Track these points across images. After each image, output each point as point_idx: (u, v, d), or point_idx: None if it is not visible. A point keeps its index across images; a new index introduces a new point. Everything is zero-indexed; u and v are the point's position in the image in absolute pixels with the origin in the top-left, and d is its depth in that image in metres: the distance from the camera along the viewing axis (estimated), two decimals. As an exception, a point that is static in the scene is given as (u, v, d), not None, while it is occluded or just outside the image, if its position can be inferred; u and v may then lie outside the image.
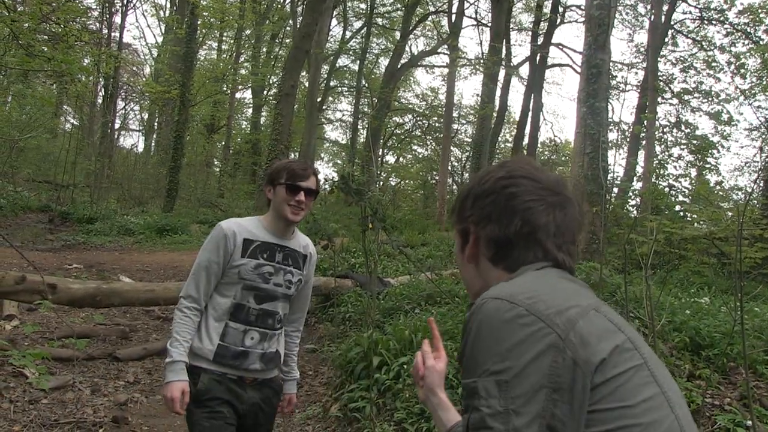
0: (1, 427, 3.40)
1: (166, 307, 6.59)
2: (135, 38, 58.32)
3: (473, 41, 67.65)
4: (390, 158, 35.44)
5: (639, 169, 15.74)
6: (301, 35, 14.57)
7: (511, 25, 23.70)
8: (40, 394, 3.95)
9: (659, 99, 17.96)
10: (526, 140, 23.04)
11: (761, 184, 11.21)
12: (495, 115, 20.94)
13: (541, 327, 0.79)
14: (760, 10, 15.45)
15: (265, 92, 27.43)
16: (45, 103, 16.50)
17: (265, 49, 27.65)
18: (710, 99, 18.29)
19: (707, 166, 16.38)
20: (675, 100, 19.30)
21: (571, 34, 39.93)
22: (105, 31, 22.42)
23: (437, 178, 25.03)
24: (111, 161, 19.85)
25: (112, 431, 3.67)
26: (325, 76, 26.72)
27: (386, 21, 28.24)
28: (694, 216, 8.36)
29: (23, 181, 16.97)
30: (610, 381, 0.79)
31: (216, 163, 29.78)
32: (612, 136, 16.78)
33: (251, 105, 29.80)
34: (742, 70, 16.72)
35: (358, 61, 27.00)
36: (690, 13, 18.69)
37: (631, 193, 9.60)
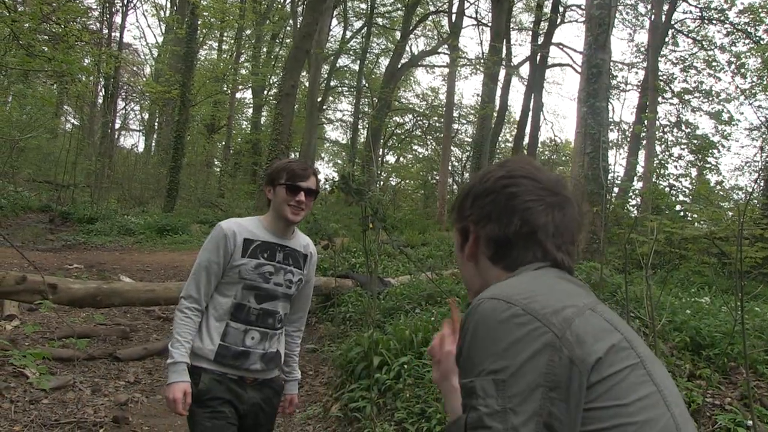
0: (2, 427, 3.40)
1: (166, 307, 6.59)
2: (135, 38, 58.35)
3: (473, 41, 67.70)
4: (390, 158, 35.49)
5: (639, 169, 15.73)
6: (301, 35, 14.58)
7: (512, 25, 23.72)
8: (40, 394, 3.96)
9: (660, 99, 17.94)
10: (526, 140, 23.05)
11: (762, 184, 11.21)
12: (495, 114, 20.95)
13: (538, 326, 0.80)
14: (760, 10, 15.44)
15: (265, 92, 27.43)
16: (45, 103, 16.52)
17: (265, 49, 27.66)
18: (711, 99, 18.29)
19: (708, 165, 16.37)
20: (675, 100, 19.30)
21: (572, 34, 40.11)
22: (105, 31, 22.43)
23: (437, 177, 25.04)
24: (111, 161, 19.86)
25: (113, 431, 3.67)
26: (326, 76, 26.73)
27: (386, 21, 28.24)
28: (695, 216, 8.36)
29: (24, 181, 16.98)
30: (606, 380, 0.79)
31: (216, 163, 29.80)
32: (612, 135, 16.79)
33: (251, 105, 29.82)
34: (743, 70, 16.73)
35: (358, 61, 27.00)
36: (690, 12, 18.70)
37: (631, 193, 9.61)
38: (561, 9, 21.92)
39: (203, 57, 28.16)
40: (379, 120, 23.70)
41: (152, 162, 24.29)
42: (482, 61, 20.39)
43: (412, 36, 27.17)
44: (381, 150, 29.87)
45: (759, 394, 3.31)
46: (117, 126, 26.04)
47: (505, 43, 20.77)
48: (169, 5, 25.96)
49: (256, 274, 2.08)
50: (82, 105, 22.01)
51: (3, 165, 14.90)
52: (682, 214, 7.90)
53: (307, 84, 21.82)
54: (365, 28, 26.38)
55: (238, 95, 30.06)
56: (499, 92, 20.66)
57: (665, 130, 19.03)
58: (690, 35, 18.94)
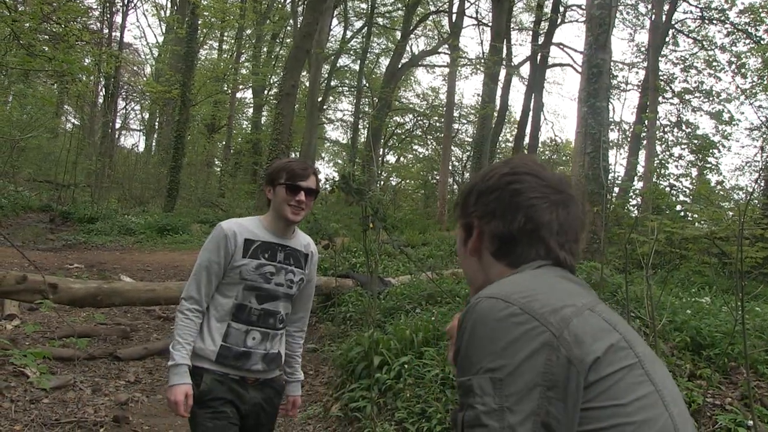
0: (3, 427, 3.41)
1: (167, 306, 6.60)
2: (136, 38, 58.38)
3: (474, 41, 67.71)
4: (391, 158, 35.47)
5: (640, 169, 15.73)
6: (301, 35, 14.58)
7: (512, 25, 23.71)
8: (41, 393, 3.96)
9: (660, 98, 17.94)
10: (526, 140, 23.03)
11: (762, 184, 11.21)
12: (496, 114, 20.94)
13: (536, 326, 0.80)
14: (760, 10, 15.43)
15: (265, 92, 27.43)
16: (46, 103, 16.52)
17: (265, 49, 27.66)
18: (711, 99, 18.27)
19: (708, 165, 16.36)
20: (676, 100, 19.29)
21: (572, 34, 40.14)
22: (106, 30, 22.45)
23: (438, 177, 25.03)
24: (112, 161, 19.87)
25: (113, 431, 3.68)
26: (326, 75, 26.72)
27: (387, 21, 28.24)
28: (695, 216, 8.36)
29: (24, 180, 16.99)
30: (604, 380, 0.79)
31: (217, 162, 29.80)
32: (613, 135, 16.78)
33: (252, 105, 29.82)
34: (743, 70, 16.71)
35: (358, 61, 27.00)
36: (691, 12, 18.68)
37: (631, 193, 9.61)
38: (561, 9, 21.92)
39: (204, 57, 28.21)
40: (380, 120, 23.70)
41: (153, 162, 24.30)
42: (483, 60, 20.39)
43: (412, 36, 27.19)
44: (381, 150, 29.86)
45: (759, 394, 3.31)
46: (117, 126, 26.08)
47: (505, 43, 20.76)
48: (169, 5, 26.00)
49: (257, 275, 2.07)
50: (83, 105, 22.01)
51: (3, 164, 14.91)
52: (682, 214, 7.90)
53: (307, 84, 21.81)
54: (365, 27, 26.39)
55: (238, 95, 30.09)
56: (499, 92, 20.66)
57: (666, 130, 19.03)
58: (690, 35, 18.93)
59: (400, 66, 25.06)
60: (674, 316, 4.25)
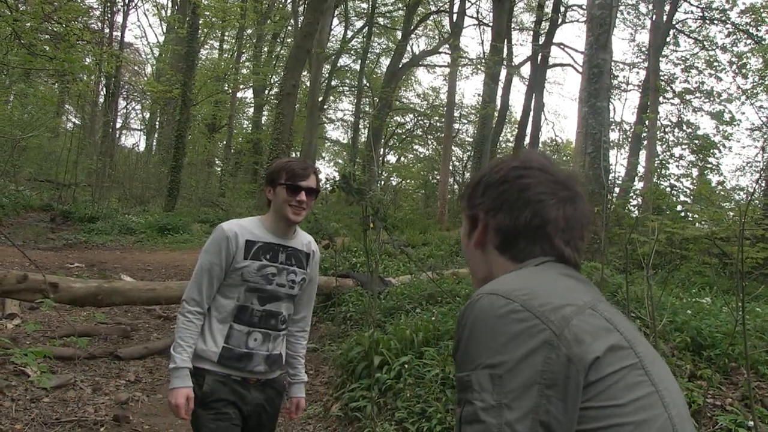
0: (3, 426, 3.41)
1: (167, 306, 6.60)
2: (136, 38, 58.46)
3: (474, 41, 67.65)
4: (391, 158, 35.46)
5: (640, 169, 15.72)
6: (302, 34, 14.58)
7: (513, 25, 23.69)
8: (41, 392, 3.96)
9: (661, 99, 17.92)
10: (527, 140, 23.00)
11: (763, 184, 11.19)
12: (496, 114, 20.93)
13: (536, 323, 0.79)
14: (762, 10, 15.41)
15: (266, 92, 27.44)
16: (47, 103, 16.50)
17: (266, 49, 27.66)
18: (712, 99, 18.25)
19: (709, 166, 16.33)
20: (676, 100, 19.26)
21: (573, 34, 40.10)
22: (107, 30, 22.46)
23: (438, 177, 25.03)
24: (112, 160, 19.87)
25: (114, 430, 3.68)
26: (327, 75, 26.72)
27: (387, 20, 28.23)
28: (696, 216, 8.35)
29: (25, 180, 17.00)
30: (603, 380, 0.79)
31: (217, 162, 29.81)
32: (613, 135, 16.78)
33: (252, 104, 29.83)
34: (744, 70, 16.69)
35: (359, 61, 27.00)
36: (692, 12, 18.66)
37: (632, 193, 9.59)
38: (562, 9, 21.90)
39: (204, 56, 28.21)
40: (380, 120, 23.69)
41: (153, 161, 24.31)
42: (483, 60, 20.39)
43: (413, 36, 27.19)
44: (382, 150, 29.86)
45: (760, 394, 3.31)
46: (118, 125, 26.11)
47: (506, 42, 20.74)
48: (170, 5, 25.98)
49: (258, 276, 2.06)
50: (84, 104, 22.02)
51: (4, 164, 14.91)
52: (683, 214, 7.89)
53: (308, 83, 21.82)
54: (366, 27, 26.39)
55: (239, 95, 30.10)
56: (500, 92, 20.64)
57: (666, 130, 19.01)
58: (691, 35, 18.92)
59: (400, 66, 25.06)
60: (675, 316, 4.24)
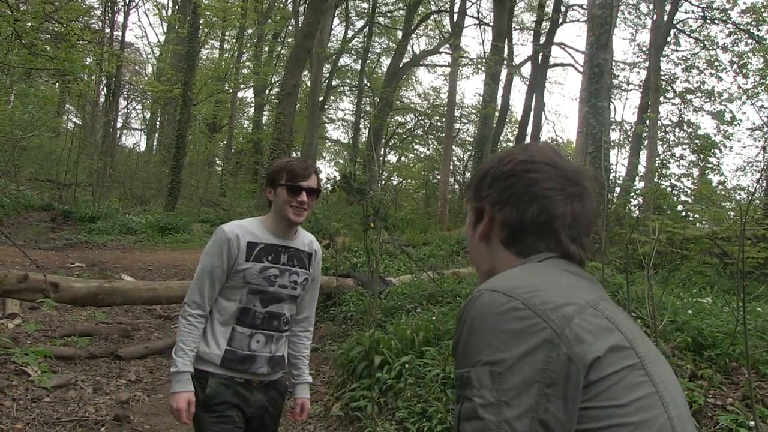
0: (4, 425, 3.41)
1: (168, 305, 6.60)
2: (137, 37, 58.51)
3: (475, 40, 67.76)
4: (392, 157, 35.46)
5: (641, 169, 15.71)
6: (303, 34, 14.58)
7: (513, 25, 23.68)
8: (42, 392, 3.96)
9: (661, 98, 17.92)
10: (527, 140, 23.01)
11: (764, 184, 11.18)
12: (497, 114, 20.92)
13: (537, 322, 0.79)
14: (762, 10, 15.40)
15: (267, 91, 27.45)
16: (47, 102, 16.50)
17: (267, 48, 27.67)
18: (712, 99, 18.24)
19: (709, 165, 16.32)
20: (677, 100, 19.25)
21: (573, 34, 40.07)
22: (107, 30, 22.46)
23: (439, 177, 25.03)
24: (113, 160, 19.88)
25: (114, 429, 3.68)
26: (327, 75, 26.73)
27: (388, 20, 28.23)
28: (696, 216, 8.34)
29: (26, 179, 17.01)
30: (603, 380, 0.79)
31: (218, 162, 29.81)
32: (614, 135, 16.78)
33: (253, 104, 29.84)
34: (745, 70, 16.68)
35: (360, 61, 27.01)
36: (693, 12, 18.66)
37: (633, 193, 9.58)
38: (563, 9, 21.89)
39: (205, 56, 28.22)
40: (381, 119, 23.70)
41: (154, 161, 24.33)
42: (484, 60, 20.38)
43: (413, 35, 27.18)
44: (382, 149, 29.86)
45: (761, 394, 3.30)
46: (119, 125, 26.14)
47: (506, 42, 20.74)
48: (170, 4, 25.99)
49: (261, 278, 2.04)
50: (84, 104, 22.04)
51: (5, 164, 14.92)
52: (683, 214, 7.88)
53: (308, 83, 21.83)
54: (367, 27, 26.40)
55: (239, 94, 30.12)
56: (500, 92, 20.63)
57: (667, 130, 19.00)
58: (692, 35, 18.91)
59: (401, 65, 25.06)
60: (675, 316, 4.24)
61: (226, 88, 25.82)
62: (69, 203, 15.50)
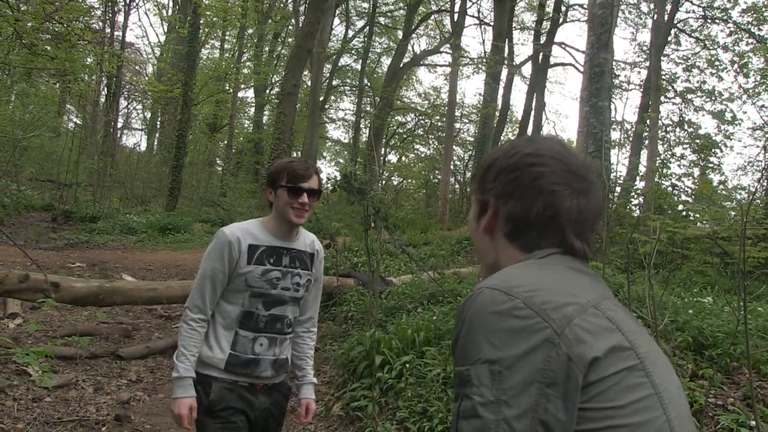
0: (5, 425, 3.41)
1: (168, 305, 6.61)
2: (138, 37, 58.52)
3: (476, 40, 67.72)
4: (392, 157, 35.47)
5: (642, 169, 15.71)
6: (303, 34, 14.58)
7: (514, 24, 23.67)
8: (43, 392, 3.96)
9: (662, 98, 17.91)
10: (528, 139, 22.97)
11: (765, 184, 11.18)
12: (497, 114, 20.92)
13: (537, 321, 0.78)
14: (763, 9, 15.39)
15: (267, 91, 27.46)
16: (48, 102, 16.51)
17: (267, 48, 27.69)
18: (713, 98, 18.24)
19: (710, 165, 16.31)
20: (678, 100, 19.26)
21: (574, 33, 40.02)
22: (108, 30, 22.46)
23: (440, 177, 25.03)
24: (114, 160, 19.89)
25: (115, 429, 3.68)
26: (328, 75, 26.74)
27: (389, 20, 28.23)
28: (697, 215, 8.34)
29: (26, 179, 17.03)
30: (603, 381, 0.78)
31: (218, 162, 29.83)
32: (615, 135, 16.77)
33: (254, 104, 29.85)
34: (745, 69, 16.67)
35: (360, 60, 27.02)
36: (693, 12, 18.66)
37: (633, 193, 9.58)
38: (563, 8, 21.88)
39: (205, 56, 28.23)
40: (381, 119, 23.70)
41: (154, 161, 24.34)
42: (484, 60, 20.38)
43: (414, 35, 27.18)
44: (383, 149, 29.86)
45: (762, 394, 3.30)
46: (119, 125, 26.15)
47: (507, 42, 20.74)
48: (171, 4, 25.99)
49: (263, 281, 2.02)
50: (85, 104, 22.05)
51: (6, 164, 14.93)
52: (684, 213, 7.88)
53: (309, 83, 21.84)
54: (367, 27, 26.41)
55: (240, 94, 30.15)
56: (501, 91, 20.63)
57: (668, 129, 19.00)
58: (693, 35, 18.90)
59: (401, 65, 25.06)
60: (676, 316, 4.24)
61: (227, 88, 25.84)
62: (70, 203, 15.51)
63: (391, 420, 3.53)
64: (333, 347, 5.18)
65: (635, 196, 9.28)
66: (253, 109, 30.57)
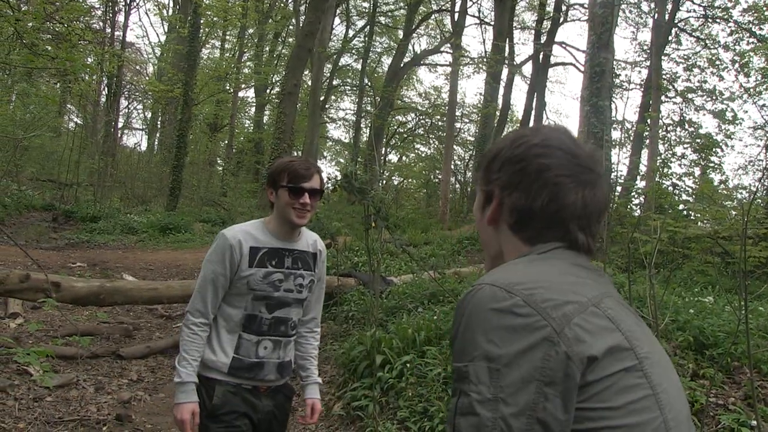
0: (6, 425, 3.42)
1: (169, 305, 6.61)
2: (138, 37, 58.48)
3: (476, 40, 67.72)
4: (393, 157, 35.47)
5: (642, 168, 15.70)
6: (303, 34, 14.58)
7: (514, 24, 23.67)
8: (44, 391, 3.97)
9: (663, 97, 17.90)
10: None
11: (766, 183, 11.17)
12: (498, 113, 20.91)
13: (537, 319, 0.78)
14: (764, 8, 15.38)
15: (268, 91, 27.47)
16: (49, 102, 16.52)
17: (267, 48, 27.70)
18: (714, 97, 18.23)
19: (711, 164, 16.30)
20: (679, 99, 19.26)
21: (575, 33, 39.97)
22: (108, 30, 22.46)
23: (440, 176, 25.02)
24: (114, 160, 19.90)
25: (116, 429, 3.69)
26: (328, 74, 26.74)
27: (389, 20, 28.24)
28: (698, 215, 8.34)
29: (27, 179, 17.04)
30: (600, 381, 0.78)
31: (219, 161, 29.84)
32: (615, 134, 16.75)
33: (254, 104, 29.86)
34: (746, 69, 16.66)
35: (360, 60, 27.04)
36: (694, 11, 18.64)
37: (634, 192, 9.58)
38: (564, 8, 21.88)
39: (206, 56, 28.25)
40: (382, 119, 23.71)
41: (155, 161, 24.35)
42: (485, 59, 20.38)
43: (414, 35, 27.19)
44: (383, 149, 29.87)
45: (763, 393, 3.30)
46: (120, 125, 26.16)
47: (507, 41, 20.75)
48: (171, 4, 25.99)
49: (265, 284, 1.99)
50: (85, 104, 22.06)
51: (7, 164, 14.94)
52: (685, 213, 7.88)
53: (309, 83, 21.84)
54: (368, 26, 26.42)
55: (240, 94, 30.14)
56: (501, 91, 20.63)
57: (668, 129, 18.99)
58: (693, 34, 18.89)
59: (402, 65, 25.07)
60: (677, 315, 4.23)
61: (227, 87, 25.85)
62: (70, 203, 15.53)
63: (392, 419, 3.53)
64: (334, 347, 5.19)
65: (636, 196, 9.29)
66: (253, 109, 30.59)
